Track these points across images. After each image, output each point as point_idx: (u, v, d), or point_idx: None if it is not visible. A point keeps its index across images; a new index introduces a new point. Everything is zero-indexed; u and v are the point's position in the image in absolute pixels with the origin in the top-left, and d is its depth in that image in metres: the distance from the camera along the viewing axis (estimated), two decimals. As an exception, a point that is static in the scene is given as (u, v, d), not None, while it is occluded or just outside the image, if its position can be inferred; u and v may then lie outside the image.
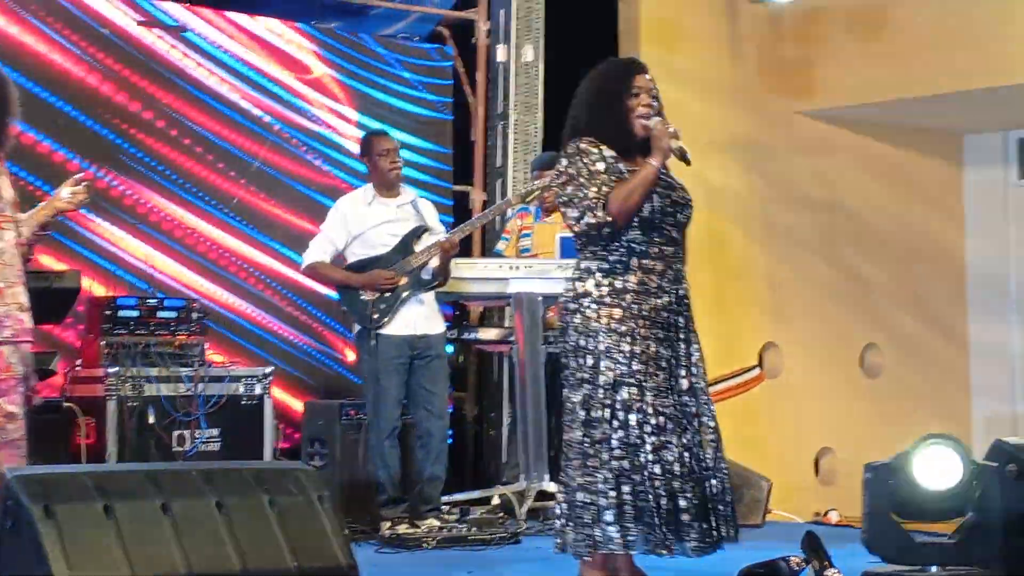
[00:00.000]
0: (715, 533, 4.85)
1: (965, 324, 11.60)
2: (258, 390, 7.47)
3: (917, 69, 10.19)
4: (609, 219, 4.85)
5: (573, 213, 4.95)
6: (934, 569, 5.02)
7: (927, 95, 10.31)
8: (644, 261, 4.92)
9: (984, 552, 5.11)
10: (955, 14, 9.92)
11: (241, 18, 8.89)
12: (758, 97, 10.63)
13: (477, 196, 9.65)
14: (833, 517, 8.25)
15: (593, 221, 4.87)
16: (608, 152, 4.94)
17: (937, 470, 5.15)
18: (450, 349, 7.97)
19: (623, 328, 4.85)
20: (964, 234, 11.69)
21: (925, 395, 11.01)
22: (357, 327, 7.28)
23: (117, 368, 6.99)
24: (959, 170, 11.77)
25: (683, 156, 4.92)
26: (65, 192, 5.26)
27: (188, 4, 8.65)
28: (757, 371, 9.86)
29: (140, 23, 8.38)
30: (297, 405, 8.39)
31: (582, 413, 4.87)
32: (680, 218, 5.03)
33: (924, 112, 10.88)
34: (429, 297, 7.30)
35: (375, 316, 7.12)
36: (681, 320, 5.00)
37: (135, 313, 7.24)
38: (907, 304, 11.25)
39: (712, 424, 4.99)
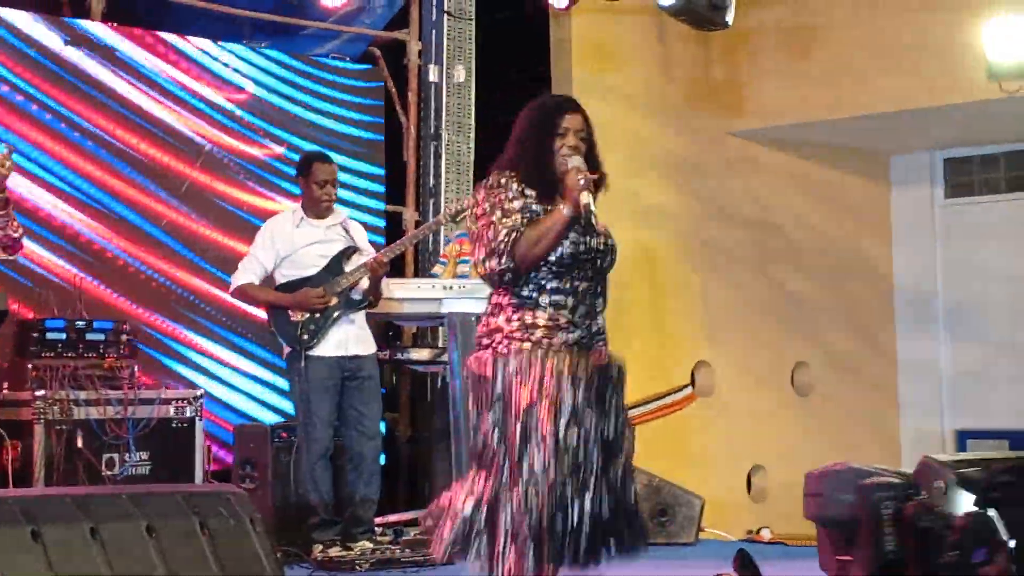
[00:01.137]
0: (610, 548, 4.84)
1: (894, 341, 11.77)
2: (189, 413, 7.45)
3: (845, 90, 10.36)
4: (511, 265, 4.81)
5: (479, 253, 4.91)
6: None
7: (855, 115, 10.49)
8: (555, 297, 4.88)
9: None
10: (882, 35, 10.10)
11: (171, 38, 8.88)
12: (690, 116, 10.73)
13: (410, 216, 9.68)
14: (766, 535, 8.28)
15: (496, 266, 4.83)
16: (529, 191, 4.90)
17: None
18: (382, 370, 7.96)
19: (531, 358, 4.81)
20: (892, 252, 11.86)
21: (855, 412, 11.16)
22: (287, 349, 7.24)
23: (44, 391, 6.94)
24: (887, 189, 11.95)
25: (588, 213, 4.84)
26: None
27: (117, 24, 8.61)
28: (689, 390, 9.91)
29: (67, 42, 8.35)
30: (228, 427, 8.34)
31: (491, 437, 4.85)
32: (598, 265, 4.99)
33: (852, 132, 11.03)
34: (360, 317, 7.31)
35: (305, 337, 7.12)
36: (589, 357, 4.95)
37: (63, 336, 7.21)
38: (837, 322, 11.38)
39: (622, 447, 4.97)
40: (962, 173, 11.77)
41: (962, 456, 5.95)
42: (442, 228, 8.55)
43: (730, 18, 8.37)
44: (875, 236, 11.81)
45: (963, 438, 11.08)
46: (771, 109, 10.78)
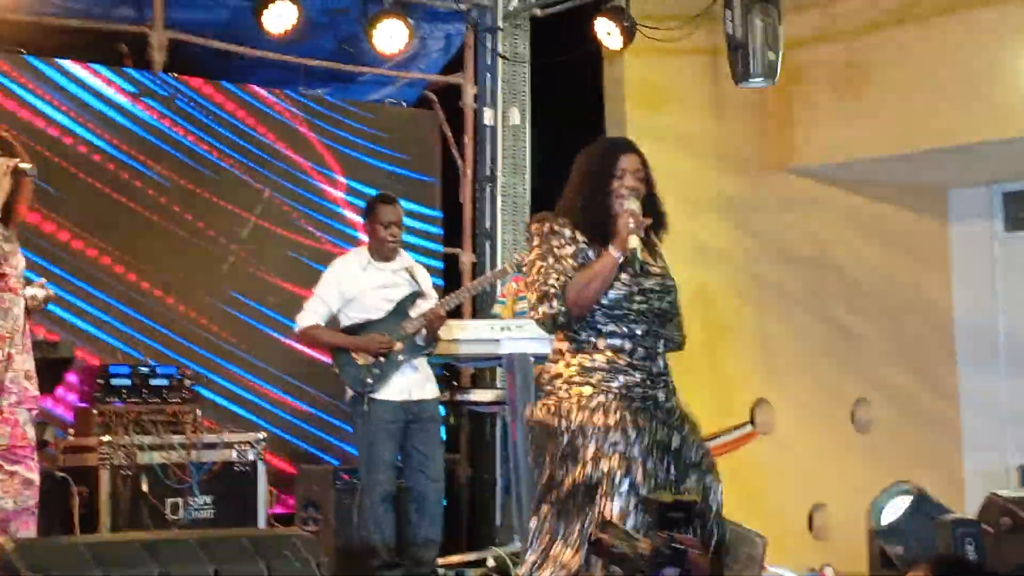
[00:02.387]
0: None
1: (955, 377, 11.65)
2: (251, 456, 7.43)
3: (900, 126, 10.29)
4: (563, 309, 4.82)
5: (532, 298, 4.94)
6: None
7: (911, 151, 10.41)
8: (611, 341, 4.88)
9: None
10: (935, 71, 10.04)
11: (231, 86, 8.96)
12: (744, 156, 10.73)
13: (467, 258, 9.70)
14: (828, 573, 8.22)
15: (549, 311, 4.84)
16: (581, 236, 4.91)
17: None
18: (442, 411, 7.97)
19: (593, 404, 4.81)
20: (951, 287, 11.76)
21: (916, 448, 11.01)
22: (350, 392, 7.25)
23: (110, 436, 6.95)
24: (945, 224, 11.86)
25: (634, 257, 4.84)
26: (29, 292, 5.43)
27: (179, 74, 8.68)
28: (749, 428, 9.84)
29: (132, 94, 8.43)
30: (290, 470, 8.35)
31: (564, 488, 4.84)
32: (655, 307, 4.97)
33: (908, 168, 10.97)
34: (422, 362, 7.32)
35: (368, 381, 7.11)
36: (661, 395, 4.94)
37: (128, 382, 7.20)
38: (896, 358, 11.29)
39: (708, 489, 4.94)
40: (1021, 207, 11.65)
41: (1027, 492, 5.89)
42: (493, 281, 8.54)
43: (776, 60, 8.33)
44: (934, 271, 11.71)
45: (1027, 474, 10.97)
46: (826, 147, 10.73)
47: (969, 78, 9.88)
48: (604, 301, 4.86)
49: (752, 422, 9.95)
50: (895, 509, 5.07)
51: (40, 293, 5.54)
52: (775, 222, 10.83)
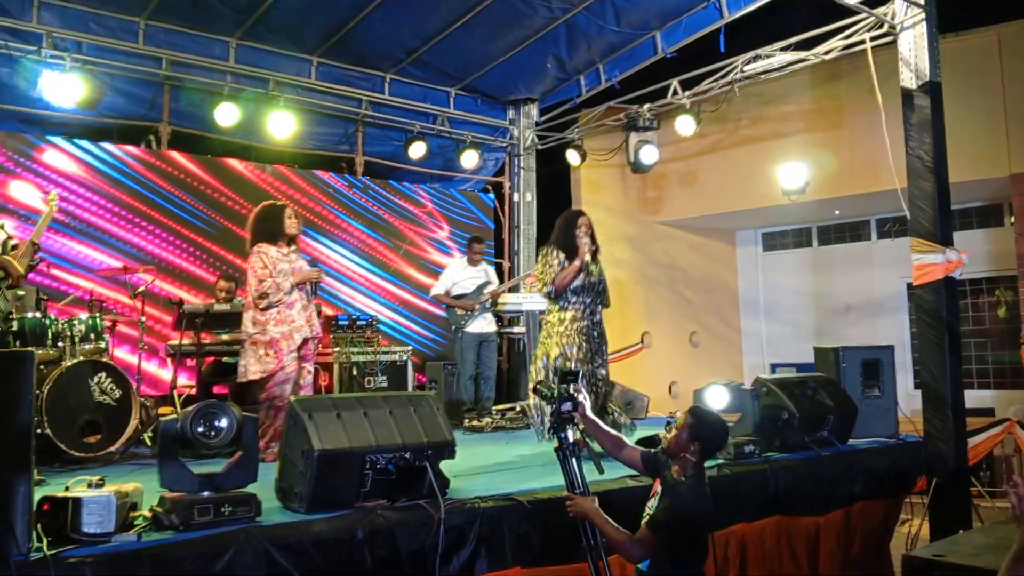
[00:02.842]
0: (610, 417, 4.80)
1: (738, 320, 11.62)
2: (404, 358, 6.93)
3: (714, 199, 10.33)
4: (552, 291, 4.82)
5: (539, 285, 4.92)
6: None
7: (718, 212, 10.47)
8: (574, 304, 4.87)
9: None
10: (731, 172, 10.04)
11: (396, 184, 8.88)
12: (635, 213, 10.72)
13: (506, 266, 9.55)
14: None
15: (547, 291, 4.86)
16: (562, 255, 4.88)
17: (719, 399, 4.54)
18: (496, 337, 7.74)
19: (566, 336, 4.81)
20: (737, 277, 11.73)
21: (718, 355, 11.06)
22: (453, 327, 7.13)
23: (338, 348, 6.75)
24: (734, 247, 11.86)
25: (586, 265, 4.80)
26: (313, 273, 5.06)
27: (370, 177, 8.62)
28: (639, 346, 9.86)
29: (349, 186, 8.40)
30: (418, 363, 8.19)
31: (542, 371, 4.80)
32: (596, 289, 4.91)
33: (717, 220, 10.93)
34: (488, 314, 7.18)
35: (462, 322, 7.04)
36: (595, 332, 4.92)
37: (346, 321, 6.92)
38: (710, 312, 11.30)
39: (604, 372, 4.91)
40: (771, 239, 11.66)
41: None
42: (521, 280, 8.30)
43: (651, 167, 8.33)
44: (727, 271, 11.59)
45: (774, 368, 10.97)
46: (674, 209, 10.74)
47: (745, 177, 9.92)
48: (572, 286, 4.87)
49: (641, 342, 9.95)
50: (714, 393, 4.88)
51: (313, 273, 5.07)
52: (651, 246, 10.83)
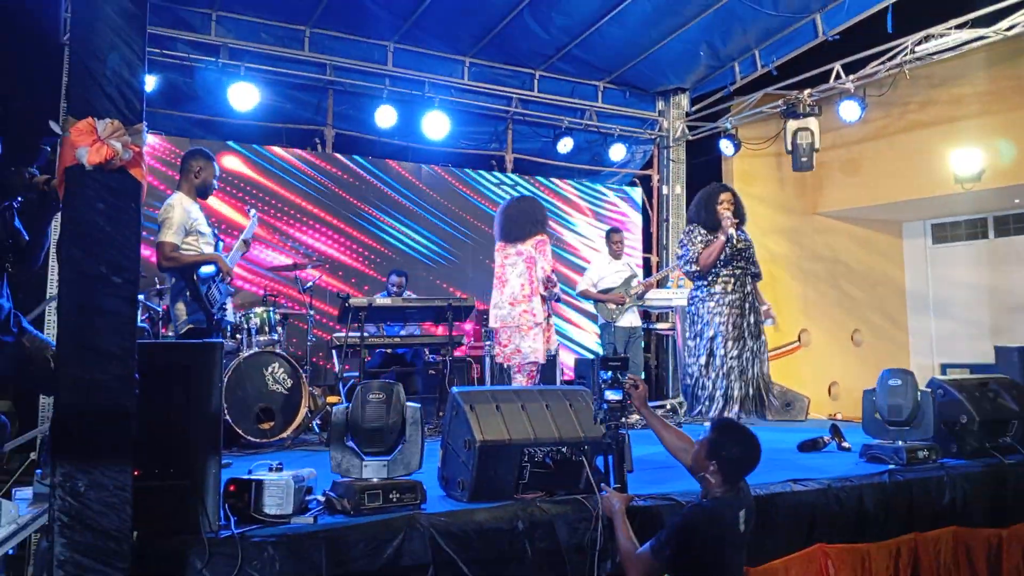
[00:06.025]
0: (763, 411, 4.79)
1: (905, 317, 11.22)
2: (553, 351, 7.17)
3: (876, 189, 9.97)
4: (697, 268, 4.79)
5: (682, 263, 4.90)
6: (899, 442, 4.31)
7: (884, 203, 10.08)
8: (723, 277, 4.81)
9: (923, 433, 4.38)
10: (896, 161, 9.66)
11: (543, 180, 8.99)
12: (791, 205, 10.45)
13: (654, 259, 9.55)
14: (839, 416, 8.06)
15: (690, 269, 4.82)
16: (704, 231, 4.84)
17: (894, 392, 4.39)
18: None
19: (715, 310, 4.76)
20: (904, 272, 11.28)
21: (883, 355, 10.64)
22: (602, 320, 7.13)
23: (489, 342, 6.91)
24: (900, 239, 11.41)
25: (729, 239, 4.75)
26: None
27: (520, 174, 8.72)
28: (796, 344, 9.67)
29: (499, 184, 8.52)
30: (571, 361, 8.07)
31: (700, 354, 4.77)
32: (746, 256, 4.83)
33: (880, 211, 10.55)
34: (635, 308, 7.19)
35: (613, 317, 7.07)
36: (747, 305, 4.83)
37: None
38: (874, 309, 10.94)
39: (764, 357, 4.84)
40: (941, 231, 11.17)
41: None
42: (668, 271, 8.27)
43: (813, 164, 8.22)
44: (894, 265, 11.17)
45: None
46: (836, 200, 10.43)
47: (914, 164, 9.54)
48: (721, 259, 4.80)
49: (799, 340, 9.74)
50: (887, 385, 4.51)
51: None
52: (810, 239, 10.53)
